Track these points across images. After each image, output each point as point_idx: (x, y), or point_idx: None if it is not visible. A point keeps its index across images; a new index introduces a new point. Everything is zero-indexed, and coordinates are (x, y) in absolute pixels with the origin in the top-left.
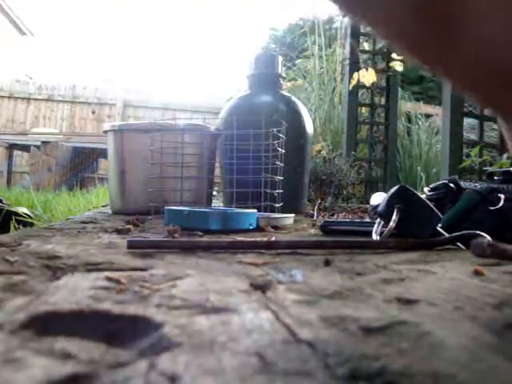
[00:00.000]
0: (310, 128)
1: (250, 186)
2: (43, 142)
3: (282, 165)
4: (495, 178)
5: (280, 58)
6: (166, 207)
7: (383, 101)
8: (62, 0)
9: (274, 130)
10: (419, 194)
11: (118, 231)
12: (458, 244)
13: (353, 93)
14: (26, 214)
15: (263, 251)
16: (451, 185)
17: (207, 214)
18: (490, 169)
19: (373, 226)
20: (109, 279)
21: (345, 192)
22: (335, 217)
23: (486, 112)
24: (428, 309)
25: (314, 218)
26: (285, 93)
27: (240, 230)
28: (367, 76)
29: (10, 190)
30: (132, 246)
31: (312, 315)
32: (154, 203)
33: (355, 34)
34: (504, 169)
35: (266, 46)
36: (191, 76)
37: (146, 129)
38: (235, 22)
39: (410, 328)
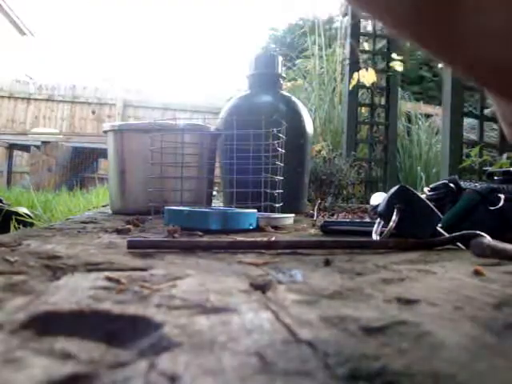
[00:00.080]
0: (310, 128)
1: (250, 185)
2: (43, 142)
3: (282, 165)
4: (495, 177)
5: (280, 58)
6: (166, 207)
7: (383, 101)
8: (62, 0)
9: (274, 130)
10: (419, 194)
11: (118, 231)
12: (458, 244)
13: (353, 93)
14: (26, 214)
15: (263, 251)
16: (451, 185)
17: (207, 214)
18: (489, 169)
19: (373, 226)
20: (109, 279)
21: (345, 192)
22: (335, 217)
23: (486, 112)
24: (428, 309)
25: (314, 218)
26: (285, 93)
27: (240, 230)
28: (367, 76)
29: (10, 189)
30: (132, 246)
31: (312, 315)
32: (153, 203)
33: (355, 34)
34: (504, 169)
35: (266, 46)
36: (191, 76)
37: (146, 129)
38: (235, 22)
39: (410, 328)
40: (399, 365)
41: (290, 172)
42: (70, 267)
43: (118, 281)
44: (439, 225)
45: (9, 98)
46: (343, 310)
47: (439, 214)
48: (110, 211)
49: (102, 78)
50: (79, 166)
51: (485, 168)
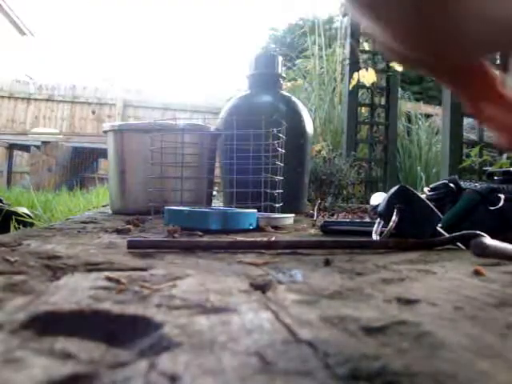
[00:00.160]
0: (310, 128)
1: (250, 185)
2: (43, 142)
3: (282, 165)
4: (495, 178)
5: (280, 58)
6: (166, 207)
7: (383, 101)
8: (62, 0)
9: (274, 130)
10: (419, 193)
11: (118, 231)
12: (458, 244)
13: (353, 93)
14: (26, 214)
15: (263, 251)
16: (451, 185)
17: (207, 214)
18: (489, 169)
19: (373, 226)
20: (109, 279)
21: (345, 192)
22: (335, 217)
23: None
24: (428, 309)
25: (314, 218)
26: (285, 93)
27: (240, 230)
28: (367, 76)
29: (10, 189)
30: (132, 245)
31: (312, 315)
32: (153, 203)
33: (355, 34)
34: (504, 169)
35: (266, 46)
36: (191, 76)
37: (146, 129)
38: (235, 22)
39: (410, 328)
40: (399, 365)
41: (290, 172)
42: (70, 267)
43: (118, 281)
44: (439, 225)
45: (9, 97)
46: (343, 309)
47: (439, 213)
48: (110, 211)
49: (102, 77)
50: (79, 166)
51: (485, 168)
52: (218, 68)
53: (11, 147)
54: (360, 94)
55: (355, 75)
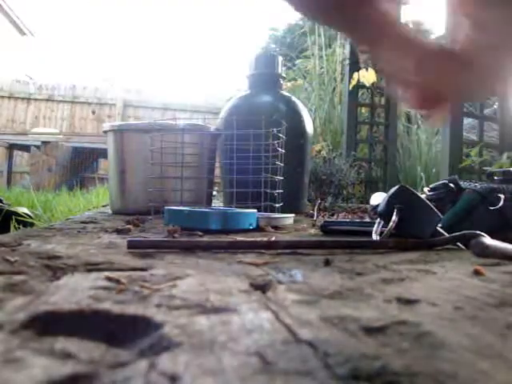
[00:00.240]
0: (310, 128)
1: (250, 185)
2: (43, 142)
3: (282, 165)
4: (495, 178)
5: (280, 58)
6: (166, 207)
7: (383, 101)
8: (62, 0)
9: (274, 130)
10: (419, 193)
11: (118, 231)
12: (458, 244)
13: (353, 93)
14: (26, 214)
15: (263, 251)
16: (451, 185)
17: (207, 214)
18: (489, 169)
19: (373, 226)
20: (109, 279)
21: (345, 192)
22: (335, 217)
23: (486, 112)
24: (428, 309)
25: (314, 218)
26: (285, 93)
27: (240, 230)
28: (367, 76)
29: (10, 189)
30: (132, 245)
31: (312, 315)
32: (153, 203)
33: None
34: (504, 169)
35: (266, 46)
36: (191, 76)
37: (146, 129)
38: (235, 22)
39: (410, 328)
40: (399, 365)
41: (289, 172)
42: (70, 267)
43: (118, 281)
44: (439, 225)
45: (9, 97)
46: (343, 309)
47: (439, 213)
48: (110, 211)
49: (102, 77)
50: (79, 166)
51: (485, 168)
52: (218, 68)
53: (11, 147)
54: (360, 94)
55: (355, 75)
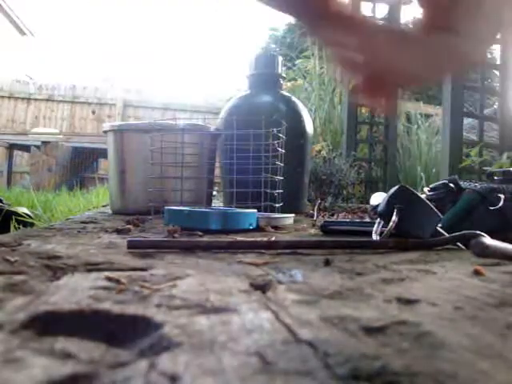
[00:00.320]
0: (310, 128)
1: (250, 185)
2: (43, 142)
3: (282, 165)
4: (495, 178)
5: (280, 58)
6: (166, 207)
7: None
8: (62, 0)
9: (274, 130)
10: (419, 193)
11: (118, 231)
12: (458, 244)
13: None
14: (26, 214)
15: (263, 251)
16: (451, 185)
17: (207, 213)
18: (489, 169)
19: (373, 226)
20: (109, 279)
21: (345, 192)
22: (335, 217)
23: (486, 112)
24: (428, 309)
25: (314, 218)
26: (285, 93)
27: (240, 230)
28: None
29: (10, 189)
30: (132, 245)
31: (312, 315)
32: (153, 203)
33: None
34: (504, 169)
35: (266, 46)
36: (191, 76)
37: (146, 129)
38: (235, 22)
39: (410, 328)
40: (399, 365)
41: (289, 172)
42: (70, 267)
43: (118, 281)
44: (439, 225)
45: (9, 97)
46: (343, 309)
47: (439, 213)
48: (110, 211)
49: (102, 77)
50: (79, 166)
51: (485, 168)
52: (217, 68)
53: (11, 147)
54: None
55: None
